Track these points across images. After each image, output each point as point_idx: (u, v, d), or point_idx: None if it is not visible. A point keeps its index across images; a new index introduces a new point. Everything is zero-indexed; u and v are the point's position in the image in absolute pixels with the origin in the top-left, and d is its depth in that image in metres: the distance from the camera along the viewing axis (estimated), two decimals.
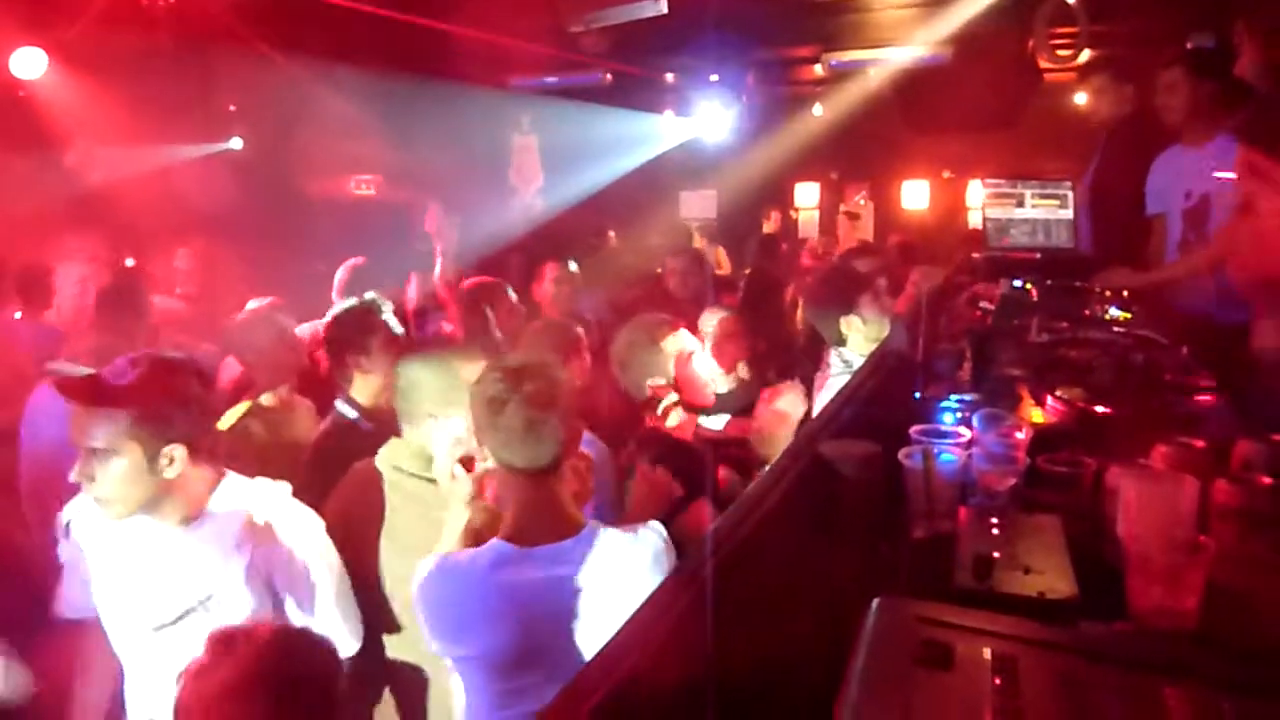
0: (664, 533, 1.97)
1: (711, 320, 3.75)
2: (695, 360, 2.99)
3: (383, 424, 2.65)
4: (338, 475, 2.47)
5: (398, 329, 3.11)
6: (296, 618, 2.10)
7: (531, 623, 1.87)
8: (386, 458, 2.37)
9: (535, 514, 1.93)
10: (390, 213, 8.52)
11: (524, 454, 1.89)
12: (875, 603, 1.00)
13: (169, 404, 1.95)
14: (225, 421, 3.04)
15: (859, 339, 3.22)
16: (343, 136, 8.73)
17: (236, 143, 8.53)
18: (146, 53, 6.53)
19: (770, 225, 10.33)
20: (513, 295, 4.08)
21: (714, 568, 1.12)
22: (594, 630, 1.86)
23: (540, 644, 1.87)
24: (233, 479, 2.14)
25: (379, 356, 2.94)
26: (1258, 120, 2.97)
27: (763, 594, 1.25)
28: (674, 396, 2.87)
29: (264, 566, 2.07)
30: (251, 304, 3.96)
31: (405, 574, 2.06)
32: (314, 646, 1.70)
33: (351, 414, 2.92)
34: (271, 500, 2.15)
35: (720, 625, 1.07)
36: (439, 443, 2.21)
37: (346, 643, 2.15)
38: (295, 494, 2.23)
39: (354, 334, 3.01)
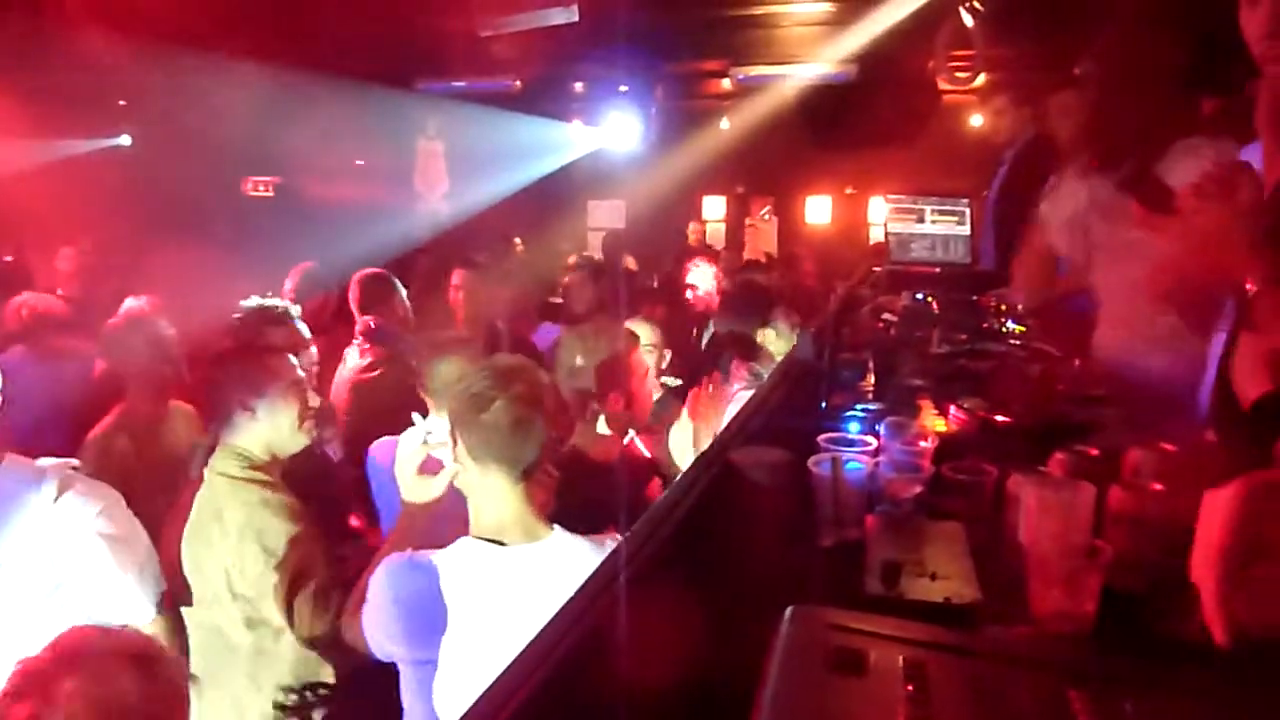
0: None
1: (647, 331, 3.70)
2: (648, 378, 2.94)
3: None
4: None
5: (304, 334, 3.05)
6: (88, 590, 2.10)
7: (499, 625, 1.84)
8: (215, 467, 2.38)
9: (506, 517, 1.93)
10: (288, 215, 8.28)
11: (507, 453, 1.90)
12: (788, 611, 0.99)
13: None
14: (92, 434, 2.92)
15: (773, 351, 3.30)
16: (239, 135, 8.43)
17: (125, 139, 8.17)
18: (31, 41, 6.20)
19: (693, 237, 10.36)
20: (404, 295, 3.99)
21: (627, 577, 1.09)
22: None
23: (497, 649, 1.79)
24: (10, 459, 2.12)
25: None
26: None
27: (676, 603, 1.24)
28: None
29: (46, 542, 2.07)
30: (129, 303, 3.78)
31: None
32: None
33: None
34: (49, 477, 2.12)
35: (633, 635, 1.05)
36: (405, 439, 2.24)
37: (144, 609, 2.19)
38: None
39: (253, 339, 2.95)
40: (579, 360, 2.69)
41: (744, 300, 3.61)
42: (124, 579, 2.15)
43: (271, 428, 2.40)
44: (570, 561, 1.89)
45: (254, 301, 3.14)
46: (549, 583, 1.84)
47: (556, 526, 1.99)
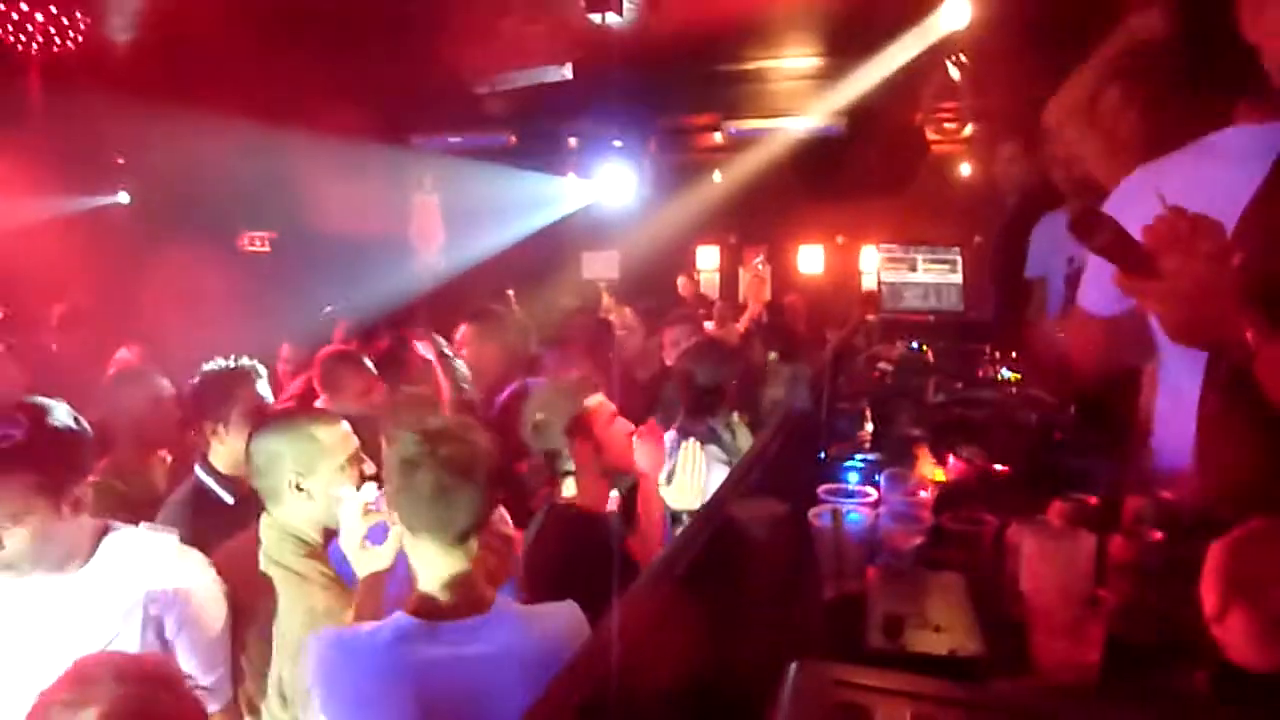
0: (579, 613, 1.87)
1: None
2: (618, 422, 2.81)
3: (244, 498, 2.55)
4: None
5: (266, 397, 2.99)
6: (184, 664, 1.99)
7: (432, 703, 1.74)
8: (269, 554, 2.24)
9: (443, 587, 1.84)
10: (285, 270, 8.32)
11: (433, 521, 1.82)
12: (792, 666, 0.99)
13: (62, 456, 1.88)
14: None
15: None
16: (237, 192, 8.52)
17: (123, 196, 8.24)
18: (31, 100, 6.29)
19: (683, 289, 10.35)
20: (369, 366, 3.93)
21: (627, 634, 1.09)
22: (500, 715, 1.73)
23: None
24: (121, 528, 2.06)
25: (239, 426, 2.79)
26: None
27: (678, 659, 1.23)
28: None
29: (158, 612, 2.00)
30: (120, 353, 3.79)
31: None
32: (180, 697, 1.57)
33: (210, 481, 2.80)
34: (162, 546, 2.07)
35: (635, 692, 1.04)
36: (346, 511, 2.11)
37: (222, 693, 2.10)
38: None
39: (216, 400, 2.88)
40: (539, 415, 2.65)
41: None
42: (217, 658, 2.10)
43: (325, 506, 2.22)
44: (513, 635, 1.81)
45: (218, 363, 3.07)
46: (488, 659, 1.77)
47: (500, 597, 1.91)
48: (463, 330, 4.46)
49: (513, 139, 9.15)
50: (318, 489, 2.22)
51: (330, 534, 2.26)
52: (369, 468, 2.31)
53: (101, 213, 8.01)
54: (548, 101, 7.32)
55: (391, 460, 1.88)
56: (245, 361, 3.05)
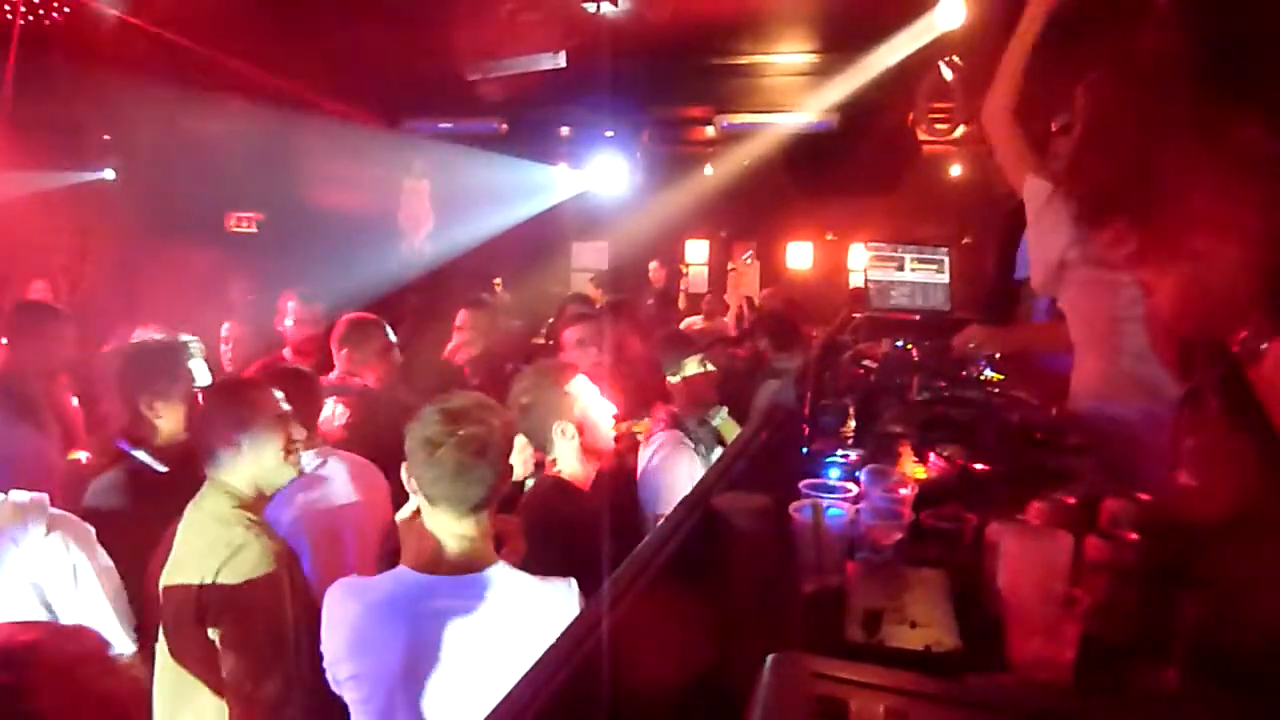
0: (575, 587, 1.98)
1: None
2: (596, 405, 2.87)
3: (177, 462, 2.72)
4: (119, 521, 2.57)
5: (200, 377, 3.00)
6: (70, 618, 2.18)
7: (421, 650, 1.88)
8: (204, 506, 2.36)
9: (450, 550, 1.98)
10: (271, 251, 8.26)
11: (452, 494, 1.96)
12: (770, 659, 1.00)
13: None
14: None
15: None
16: (224, 172, 8.45)
17: (109, 173, 8.17)
18: (17, 74, 6.21)
19: (654, 275, 10.22)
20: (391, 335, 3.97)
21: (610, 622, 1.10)
22: (482, 671, 1.88)
23: (425, 675, 1.89)
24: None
25: (176, 403, 2.87)
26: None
27: (657, 649, 1.24)
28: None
29: (33, 570, 2.16)
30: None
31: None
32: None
33: (141, 455, 2.85)
34: (33, 507, 2.21)
35: (615, 682, 1.05)
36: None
37: (123, 642, 2.24)
38: None
39: (152, 376, 2.91)
40: (524, 399, 2.73)
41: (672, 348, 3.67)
42: (109, 609, 2.23)
43: (256, 462, 2.39)
44: (507, 596, 1.94)
45: (151, 338, 3.13)
46: (479, 616, 1.91)
47: (500, 562, 2.02)
48: (461, 315, 4.44)
49: (504, 126, 9.10)
50: (246, 444, 2.36)
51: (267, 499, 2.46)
52: (298, 433, 2.47)
53: (87, 189, 7.92)
54: (540, 89, 7.29)
55: (415, 436, 1.99)
56: (183, 337, 3.09)
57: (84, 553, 2.26)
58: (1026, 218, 2.74)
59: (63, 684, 1.40)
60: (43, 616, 2.17)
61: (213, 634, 2.20)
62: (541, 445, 2.72)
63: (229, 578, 2.19)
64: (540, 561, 2.17)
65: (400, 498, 2.15)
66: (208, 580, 2.20)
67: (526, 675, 1.07)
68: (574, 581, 1.99)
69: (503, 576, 1.97)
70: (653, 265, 10.17)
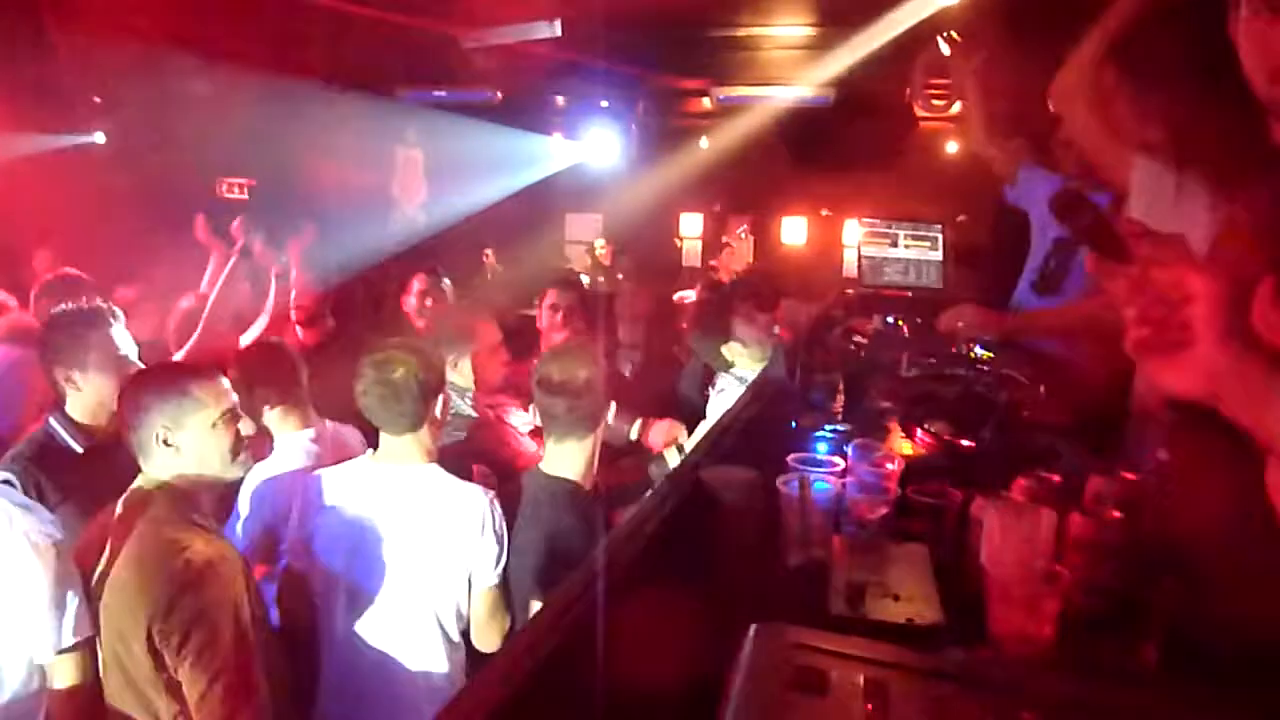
0: (493, 498, 2.41)
1: None
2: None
3: (99, 447, 2.59)
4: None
5: (123, 345, 2.77)
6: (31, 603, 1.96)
7: (353, 517, 2.40)
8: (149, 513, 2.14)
9: (389, 452, 2.49)
10: (262, 217, 8.20)
11: (385, 421, 2.46)
12: (752, 629, 1.01)
13: None
14: None
15: (745, 360, 3.48)
16: (216, 136, 8.37)
17: (99, 137, 8.09)
18: (5, 34, 6.13)
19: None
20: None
21: (598, 590, 1.11)
22: (398, 551, 2.37)
23: (355, 547, 2.38)
24: None
25: (96, 373, 2.66)
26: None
27: (642, 619, 1.25)
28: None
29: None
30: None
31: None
32: None
33: (59, 429, 2.64)
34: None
35: (598, 650, 1.06)
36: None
37: (60, 635, 2.00)
38: None
39: (68, 346, 2.68)
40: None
41: (711, 317, 3.69)
42: (66, 596, 2.02)
43: (199, 464, 2.19)
44: (431, 489, 2.42)
45: (68, 306, 2.84)
46: (406, 501, 2.40)
47: (435, 465, 2.48)
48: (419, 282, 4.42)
49: (499, 95, 9.03)
50: (186, 445, 2.16)
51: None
52: (245, 427, 2.29)
53: (76, 153, 7.85)
54: (535, 59, 7.23)
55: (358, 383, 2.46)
56: (99, 304, 2.86)
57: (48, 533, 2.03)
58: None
59: None
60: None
61: (166, 648, 2.00)
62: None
63: (180, 587, 2.00)
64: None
65: None
66: (158, 592, 2.00)
67: (514, 644, 1.08)
68: (483, 491, 2.42)
69: (434, 475, 2.45)
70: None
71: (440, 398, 2.53)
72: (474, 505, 2.39)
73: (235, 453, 2.23)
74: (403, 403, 2.41)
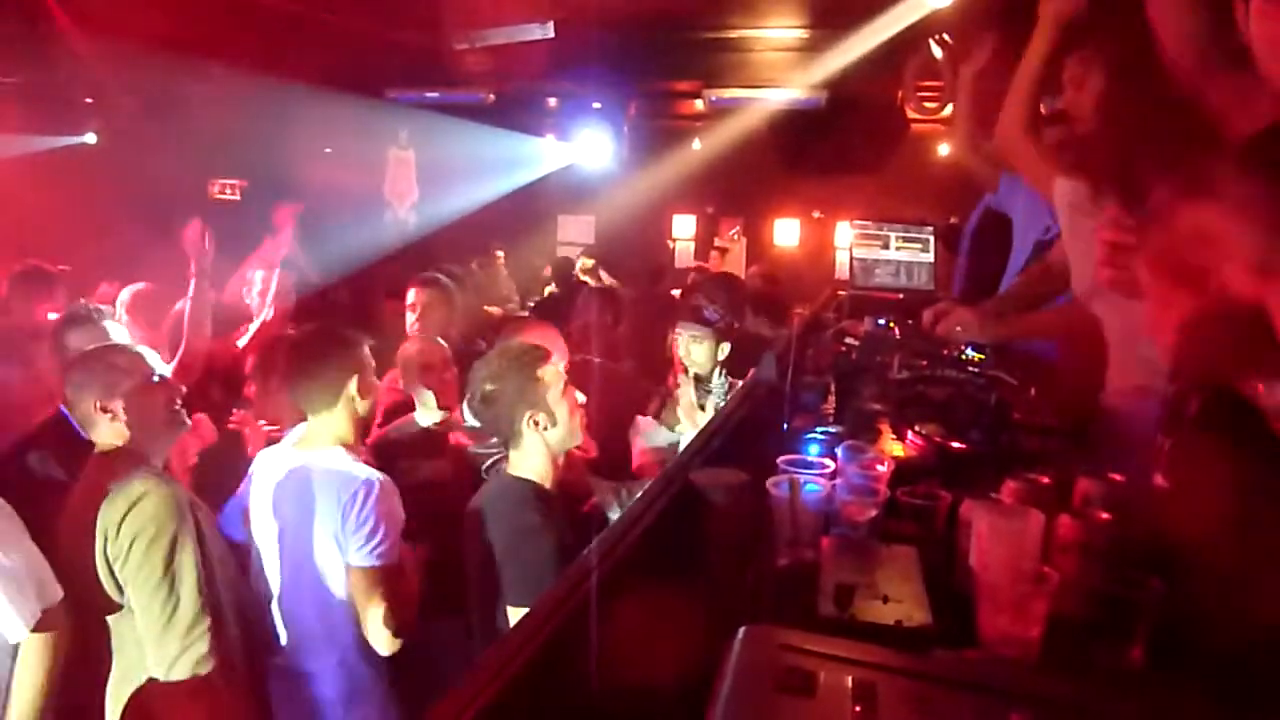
0: (380, 481, 2.50)
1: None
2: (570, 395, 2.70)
3: None
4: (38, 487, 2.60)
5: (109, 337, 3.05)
6: None
7: (277, 491, 2.60)
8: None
9: (315, 431, 2.67)
10: (254, 219, 8.18)
11: (305, 399, 2.65)
12: (741, 630, 1.01)
13: None
14: None
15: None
16: (208, 138, 8.35)
17: (91, 137, 8.06)
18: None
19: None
20: None
21: (588, 591, 1.10)
22: (281, 525, 2.57)
23: (258, 518, 2.64)
24: None
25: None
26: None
27: (631, 620, 1.25)
28: None
29: None
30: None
31: None
32: None
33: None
34: None
35: (588, 651, 1.06)
36: None
37: (14, 627, 2.12)
38: None
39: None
40: (488, 386, 2.81)
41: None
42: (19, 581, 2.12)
43: (140, 427, 2.45)
44: (319, 462, 2.57)
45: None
46: (307, 474, 2.56)
47: (345, 450, 2.62)
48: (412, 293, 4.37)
49: (491, 97, 9.02)
50: (131, 415, 2.45)
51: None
52: (177, 391, 2.65)
53: (68, 153, 7.82)
54: (527, 60, 7.23)
55: None
56: (86, 303, 3.25)
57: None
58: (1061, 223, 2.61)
59: None
60: None
61: (123, 586, 2.26)
62: (506, 438, 2.59)
63: (131, 529, 2.24)
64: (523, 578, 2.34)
65: None
66: (111, 535, 2.24)
67: (502, 645, 1.08)
68: (376, 475, 2.52)
69: (331, 452, 2.60)
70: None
71: (354, 381, 2.65)
72: (347, 486, 2.48)
73: (173, 415, 2.57)
74: (314, 382, 2.63)
